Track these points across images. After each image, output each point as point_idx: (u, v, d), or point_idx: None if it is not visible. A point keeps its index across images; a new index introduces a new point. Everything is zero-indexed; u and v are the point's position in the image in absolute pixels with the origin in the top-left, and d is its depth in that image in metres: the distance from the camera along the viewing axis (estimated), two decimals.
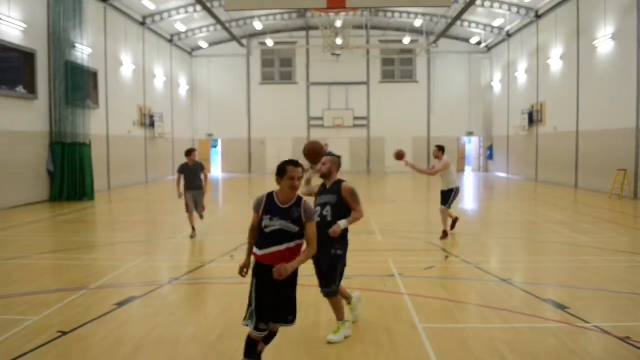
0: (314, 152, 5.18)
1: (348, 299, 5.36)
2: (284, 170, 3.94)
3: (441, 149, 10.08)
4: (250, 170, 33.48)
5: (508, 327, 5.26)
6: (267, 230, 3.91)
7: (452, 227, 10.39)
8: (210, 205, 10.94)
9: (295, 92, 33.68)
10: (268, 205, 3.96)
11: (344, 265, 5.08)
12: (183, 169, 10.30)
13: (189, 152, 10.37)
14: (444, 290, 6.73)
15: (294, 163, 3.97)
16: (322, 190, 5.17)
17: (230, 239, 9.98)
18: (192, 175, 10.24)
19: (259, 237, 3.97)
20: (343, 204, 5.00)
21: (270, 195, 4.02)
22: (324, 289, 4.94)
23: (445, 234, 9.95)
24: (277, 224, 3.90)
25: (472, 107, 33.35)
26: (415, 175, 27.64)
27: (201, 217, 10.62)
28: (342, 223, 4.87)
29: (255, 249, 4.01)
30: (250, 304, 4.00)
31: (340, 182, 5.11)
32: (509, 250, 9.70)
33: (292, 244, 3.93)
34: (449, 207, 10.03)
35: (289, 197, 3.97)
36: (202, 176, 10.36)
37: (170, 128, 29.47)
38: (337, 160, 5.22)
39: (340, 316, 5.03)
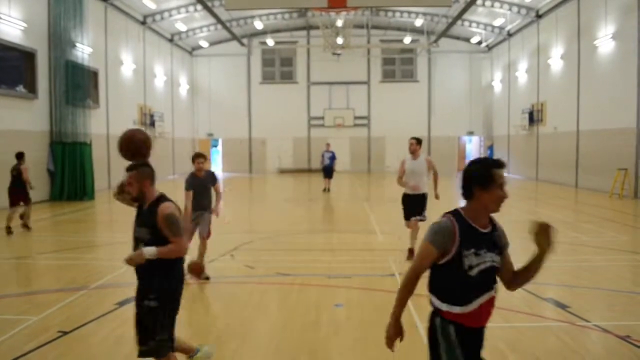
0: (121, 143, 3.68)
1: (190, 352, 4.04)
2: (490, 176, 2.46)
3: (419, 142, 8.40)
4: (251, 170, 33.48)
5: (509, 326, 5.26)
6: (472, 272, 2.52)
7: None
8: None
9: (296, 91, 33.67)
10: (466, 234, 2.51)
11: (169, 314, 3.51)
12: (192, 183, 7.09)
13: (198, 157, 7.16)
14: None
15: (498, 163, 2.53)
16: (136, 216, 3.59)
17: (230, 239, 9.96)
18: (202, 190, 7.14)
19: (457, 287, 2.54)
20: (161, 238, 3.41)
21: (459, 217, 2.55)
22: (138, 346, 3.52)
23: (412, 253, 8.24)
24: (487, 260, 2.55)
25: (473, 106, 33.32)
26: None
27: (201, 269, 6.74)
28: (148, 250, 3.35)
29: (447, 306, 2.58)
30: None
31: (158, 202, 3.48)
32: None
33: (496, 286, 2.63)
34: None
35: (487, 217, 2.59)
36: (214, 192, 7.37)
37: (171, 127, 29.46)
38: (145, 172, 3.53)
39: None
